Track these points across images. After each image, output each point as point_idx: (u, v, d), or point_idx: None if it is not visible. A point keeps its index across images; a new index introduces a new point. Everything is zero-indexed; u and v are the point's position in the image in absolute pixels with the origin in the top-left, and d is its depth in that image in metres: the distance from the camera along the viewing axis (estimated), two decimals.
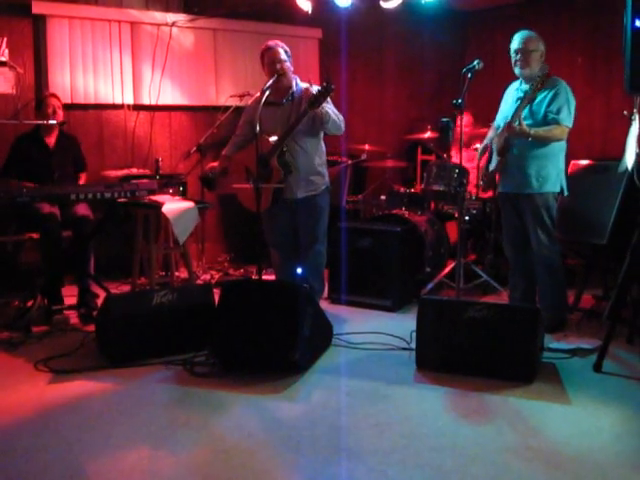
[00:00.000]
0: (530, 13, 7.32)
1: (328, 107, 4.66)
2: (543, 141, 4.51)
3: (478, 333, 3.89)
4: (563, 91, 4.52)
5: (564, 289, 4.77)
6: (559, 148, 4.61)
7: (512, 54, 4.63)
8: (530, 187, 4.57)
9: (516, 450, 3.05)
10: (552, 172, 4.59)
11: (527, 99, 4.42)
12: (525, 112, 4.48)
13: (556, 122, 4.49)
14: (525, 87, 4.61)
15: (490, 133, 4.96)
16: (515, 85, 4.79)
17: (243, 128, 5.03)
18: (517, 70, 4.64)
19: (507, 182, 4.71)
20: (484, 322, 3.89)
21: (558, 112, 4.49)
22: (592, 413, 3.46)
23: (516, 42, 4.61)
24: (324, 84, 4.52)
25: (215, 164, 5.17)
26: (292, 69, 4.85)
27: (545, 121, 4.50)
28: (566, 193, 4.68)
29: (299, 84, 4.87)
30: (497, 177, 4.79)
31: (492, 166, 4.76)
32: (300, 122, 4.63)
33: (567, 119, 4.52)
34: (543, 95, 4.49)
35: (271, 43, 4.80)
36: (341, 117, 4.77)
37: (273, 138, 4.71)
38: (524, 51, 4.56)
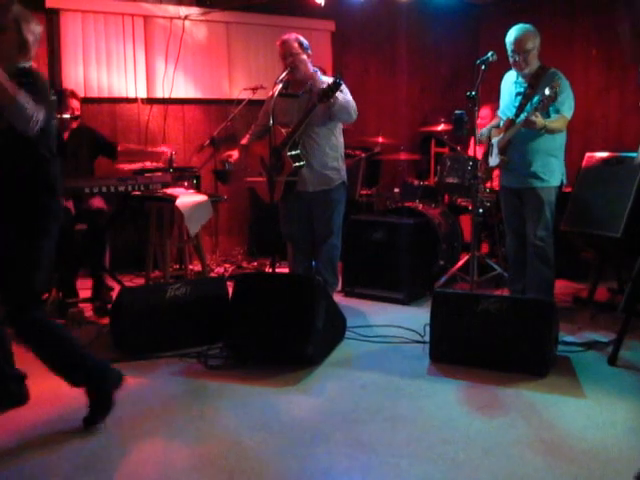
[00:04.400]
0: (544, 5, 7.28)
1: (339, 95, 4.64)
2: (551, 133, 4.50)
3: (492, 326, 3.88)
4: (564, 84, 4.48)
5: (552, 281, 4.77)
6: (561, 141, 4.65)
7: (509, 52, 4.57)
8: (537, 181, 4.60)
9: (530, 443, 3.04)
10: (556, 165, 4.64)
11: (545, 102, 4.33)
12: (527, 107, 4.48)
13: (559, 113, 4.48)
14: (522, 81, 4.64)
15: (494, 121, 4.94)
16: (512, 77, 4.76)
17: (262, 118, 5.04)
18: (516, 70, 4.63)
19: (512, 177, 4.72)
20: (498, 315, 3.88)
21: (562, 105, 4.46)
22: (607, 407, 3.44)
23: (512, 41, 4.54)
24: (333, 80, 4.51)
25: (231, 152, 5.19)
26: (309, 62, 4.83)
27: (549, 115, 4.48)
28: (564, 184, 4.74)
29: (321, 76, 4.85)
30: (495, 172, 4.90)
31: (492, 161, 4.78)
32: (309, 115, 4.63)
33: (569, 111, 4.53)
34: (543, 90, 4.40)
35: (286, 36, 4.81)
36: (353, 105, 4.74)
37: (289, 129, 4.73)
38: (523, 51, 4.50)
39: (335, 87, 4.50)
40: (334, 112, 4.69)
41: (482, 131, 4.92)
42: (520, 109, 4.60)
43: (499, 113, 4.93)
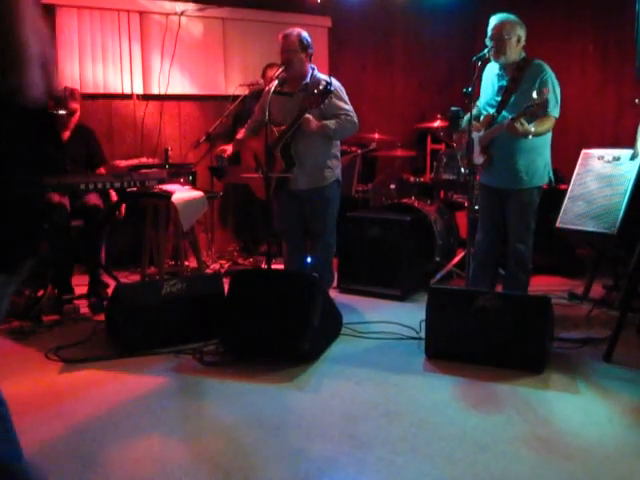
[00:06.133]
0: (541, 1, 7.27)
1: (331, 122, 4.64)
2: (539, 136, 4.37)
3: (487, 322, 3.88)
4: (549, 79, 4.34)
5: (527, 286, 4.68)
6: (546, 140, 4.50)
7: (487, 39, 4.44)
8: (520, 182, 4.46)
9: (525, 440, 3.04)
10: (540, 165, 4.51)
11: (534, 109, 4.10)
12: (510, 102, 4.37)
13: (546, 114, 4.28)
14: (504, 73, 4.49)
15: (473, 111, 4.65)
16: (494, 69, 4.58)
17: (257, 113, 5.01)
18: (493, 59, 4.46)
19: (494, 176, 4.56)
20: (494, 311, 3.88)
21: (548, 105, 4.26)
22: (602, 403, 3.45)
23: (492, 28, 4.41)
24: (324, 86, 4.49)
25: (225, 147, 5.18)
26: (307, 60, 4.77)
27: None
28: (553, 182, 4.65)
29: (317, 75, 4.81)
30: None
31: (476, 159, 4.57)
32: (300, 119, 4.59)
33: (555, 109, 4.37)
34: (528, 84, 4.32)
35: (288, 31, 4.72)
36: (351, 117, 4.71)
37: (282, 128, 4.71)
38: (496, 38, 4.37)
39: (325, 93, 4.48)
40: (335, 138, 4.74)
41: (463, 119, 4.70)
42: (502, 105, 4.45)
43: (478, 104, 4.73)
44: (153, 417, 3.31)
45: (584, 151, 5.25)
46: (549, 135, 4.51)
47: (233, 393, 3.59)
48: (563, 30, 7.17)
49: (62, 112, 5.15)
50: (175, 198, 5.06)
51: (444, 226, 5.79)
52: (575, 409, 3.39)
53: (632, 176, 4.82)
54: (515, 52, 4.43)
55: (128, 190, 4.93)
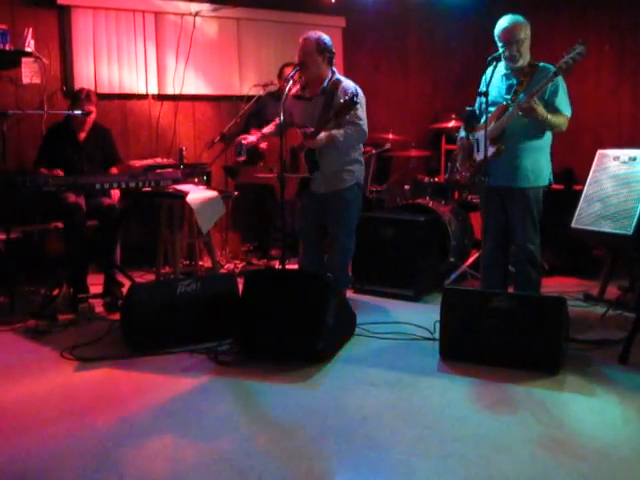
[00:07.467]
0: (556, 0, 7.24)
1: (339, 133, 4.62)
2: (550, 129, 4.39)
3: (502, 323, 3.87)
4: (559, 80, 4.31)
5: (539, 283, 4.66)
6: (548, 140, 4.51)
7: (500, 44, 4.37)
8: (526, 181, 4.44)
9: (540, 441, 3.03)
10: (545, 165, 4.51)
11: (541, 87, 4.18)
12: (520, 99, 4.31)
13: (559, 112, 4.33)
14: (510, 73, 4.47)
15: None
16: (501, 69, 4.50)
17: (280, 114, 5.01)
18: (509, 63, 4.40)
19: (497, 177, 4.41)
20: (508, 312, 3.87)
21: (560, 103, 4.33)
22: (617, 405, 3.43)
23: (502, 32, 4.36)
24: (350, 98, 4.49)
25: (247, 135, 5.17)
26: (325, 63, 4.74)
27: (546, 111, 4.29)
28: (552, 182, 4.61)
29: (337, 78, 4.79)
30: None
31: (482, 155, 4.41)
32: (320, 131, 4.60)
33: (568, 109, 4.38)
34: (538, 85, 4.26)
35: (308, 34, 4.71)
36: (361, 127, 4.69)
37: (311, 130, 4.69)
38: (517, 41, 4.31)
39: (352, 106, 4.49)
40: (343, 149, 4.72)
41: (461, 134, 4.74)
42: (516, 94, 4.37)
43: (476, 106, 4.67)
44: (167, 416, 3.32)
45: (600, 151, 5.22)
46: (550, 136, 4.51)
47: (247, 392, 3.60)
48: (578, 29, 7.11)
49: (78, 113, 5.18)
50: (190, 199, 5.08)
51: (458, 227, 5.77)
52: (590, 411, 3.37)
53: None
54: (528, 54, 4.42)
55: (143, 190, 4.96)
